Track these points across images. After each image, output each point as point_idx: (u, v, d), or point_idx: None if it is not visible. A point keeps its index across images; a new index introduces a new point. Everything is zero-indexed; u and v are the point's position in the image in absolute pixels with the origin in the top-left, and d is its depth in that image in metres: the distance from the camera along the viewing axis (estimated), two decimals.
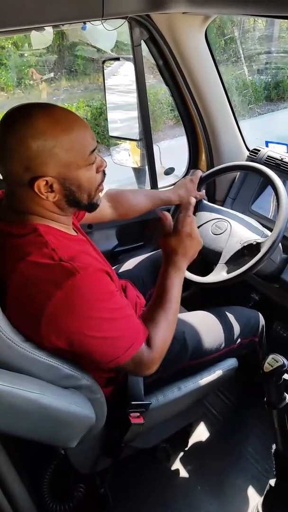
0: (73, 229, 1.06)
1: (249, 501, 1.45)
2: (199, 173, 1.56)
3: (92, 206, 1.02)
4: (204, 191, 1.56)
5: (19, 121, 0.87)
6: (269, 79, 6.97)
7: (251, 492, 1.47)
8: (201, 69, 1.59)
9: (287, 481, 1.23)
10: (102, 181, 1.02)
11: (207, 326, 1.33)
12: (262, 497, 1.32)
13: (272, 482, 1.27)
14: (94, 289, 0.91)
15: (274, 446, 1.19)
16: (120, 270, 1.57)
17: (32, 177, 0.89)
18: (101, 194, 1.05)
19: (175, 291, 1.12)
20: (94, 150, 0.95)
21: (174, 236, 1.17)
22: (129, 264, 1.62)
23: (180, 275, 1.15)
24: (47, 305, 0.86)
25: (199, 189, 1.54)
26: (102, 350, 0.93)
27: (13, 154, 0.87)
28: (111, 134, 1.95)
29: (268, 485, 1.28)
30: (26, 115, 0.88)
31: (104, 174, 1.03)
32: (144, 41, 1.57)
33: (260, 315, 1.50)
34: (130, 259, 1.65)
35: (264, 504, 1.32)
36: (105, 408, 1.06)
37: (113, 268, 1.52)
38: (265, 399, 1.10)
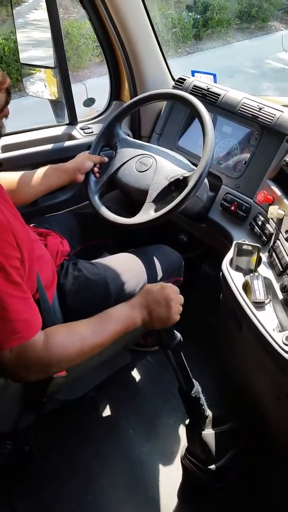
0: None
1: (180, 439, 1.46)
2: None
3: None
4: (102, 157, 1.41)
5: None
6: (198, 16, 6.69)
7: (183, 430, 1.48)
8: None
9: (196, 418, 1.27)
10: (4, 105, 0.88)
11: (130, 268, 1.25)
12: None
13: (186, 421, 1.30)
14: None
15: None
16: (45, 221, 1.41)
17: None
18: (5, 120, 0.91)
19: (115, 315, 1.00)
20: None
21: (155, 287, 1.06)
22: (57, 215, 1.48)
23: (129, 313, 1.01)
24: None
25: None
26: None
27: None
28: (22, 61, 1.71)
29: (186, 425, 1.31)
30: None
31: (8, 94, 0.89)
32: None
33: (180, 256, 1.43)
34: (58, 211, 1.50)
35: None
36: None
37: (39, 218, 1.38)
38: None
